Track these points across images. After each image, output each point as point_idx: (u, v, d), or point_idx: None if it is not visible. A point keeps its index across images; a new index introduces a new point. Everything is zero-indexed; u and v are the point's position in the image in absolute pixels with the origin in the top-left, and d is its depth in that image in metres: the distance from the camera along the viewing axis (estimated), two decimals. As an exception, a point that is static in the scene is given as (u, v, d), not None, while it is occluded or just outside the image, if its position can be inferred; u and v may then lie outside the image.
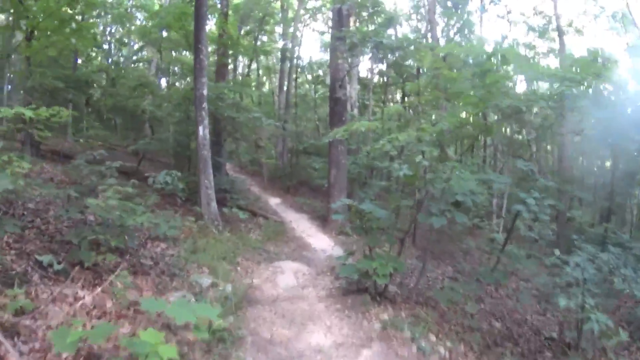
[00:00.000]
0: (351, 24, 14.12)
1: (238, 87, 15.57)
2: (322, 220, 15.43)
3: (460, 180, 7.62)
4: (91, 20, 17.97)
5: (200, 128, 9.55)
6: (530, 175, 8.81)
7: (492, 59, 8.10)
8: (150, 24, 19.62)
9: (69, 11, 13.31)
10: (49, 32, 12.92)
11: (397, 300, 7.60)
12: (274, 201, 19.23)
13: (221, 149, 16.85)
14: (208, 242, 8.76)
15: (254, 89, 26.10)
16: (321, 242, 12.31)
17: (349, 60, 13.98)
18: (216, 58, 17.06)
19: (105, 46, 26.03)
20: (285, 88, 25.71)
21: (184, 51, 23.47)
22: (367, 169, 15.86)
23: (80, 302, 4.83)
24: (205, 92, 9.55)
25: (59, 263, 5.43)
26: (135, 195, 6.82)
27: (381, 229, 8.45)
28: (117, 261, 6.25)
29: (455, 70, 10.19)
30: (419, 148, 8.78)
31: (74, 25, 13.98)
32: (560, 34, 20.33)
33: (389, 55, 12.52)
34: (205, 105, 9.55)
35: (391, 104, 28.44)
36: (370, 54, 12.92)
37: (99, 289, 5.17)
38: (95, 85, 16.20)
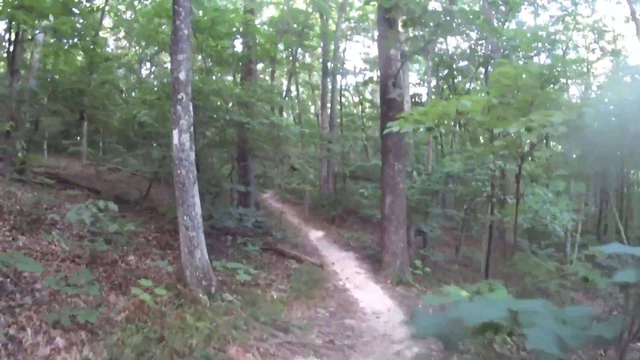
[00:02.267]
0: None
1: (265, 94, 11.75)
2: (374, 261, 11.45)
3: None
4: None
5: (175, 133, 5.99)
6: None
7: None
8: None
9: None
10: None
11: None
12: (315, 235, 15.49)
13: (247, 173, 13.38)
14: (183, 319, 5.05)
15: (291, 107, 22.62)
16: (373, 299, 8.36)
17: (402, 47, 10.22)
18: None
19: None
20: (329, 106, 22.23)
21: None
22: (429, 195, 11.81)
23: None
24: (183, 75, 6.02)
25: None
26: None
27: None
28: None
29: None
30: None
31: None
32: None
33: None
34: (184, 96, 6.01)
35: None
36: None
37: None
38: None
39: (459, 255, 14.90)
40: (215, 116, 9.27)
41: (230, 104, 10.13)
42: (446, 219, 13.87)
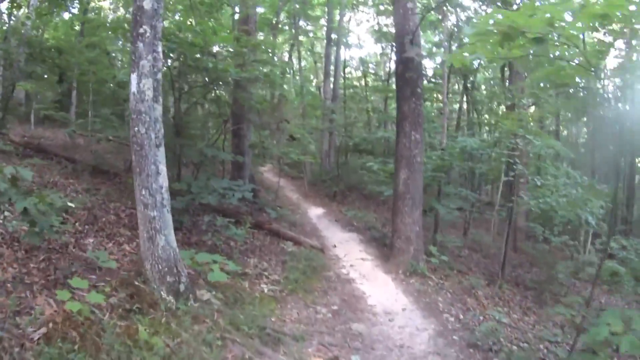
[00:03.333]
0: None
1: (263, 53, 9.79)
2: (381, 245, 10.00)
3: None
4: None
5: (134, 77, 4.36)
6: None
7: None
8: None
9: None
10: None
11: None
12: (314, 212, 14.01)
13: (242, 142, 11.78)
14: (133, 335, 3.56)
15: (293, 78, 20.67)
16: (383, 294, 6.91)
17: None
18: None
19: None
20: (332, 79, 20.45)
21: None
22: (442, 172, 10.24)
23: None
24: (148, 3, 4.36)
25: None
26: None
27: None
28: None
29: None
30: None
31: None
32: None
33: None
34: (147, 30, 4.34)
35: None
36: None
37: None
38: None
39: (467, 239, 13.49)
40: (198, 66, 7.61)
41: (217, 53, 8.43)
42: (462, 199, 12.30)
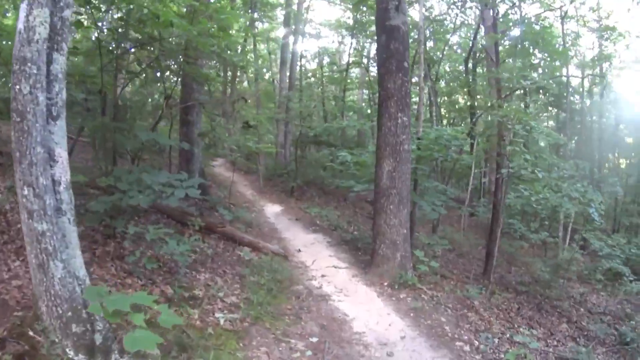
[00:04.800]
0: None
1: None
2: (354, 250, 8.47)
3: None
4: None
5: (23, 7, 2.52)
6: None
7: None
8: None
9: None
10: None
11: None
12: (271, 210, 12.32)
13: (191, 130, 9.87)
14: None
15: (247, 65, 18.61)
16: (371, 315, 5.35)
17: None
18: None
19: None
20: (288, 65, 18.65)
21: None
22: (424, 164, 8.86)
23: None
24: None
25: None
26: None
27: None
28: None
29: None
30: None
31: None
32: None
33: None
34: None
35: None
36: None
37: None
38: None
39: (437, 237, 12.30)
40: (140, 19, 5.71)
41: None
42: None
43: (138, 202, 4.51)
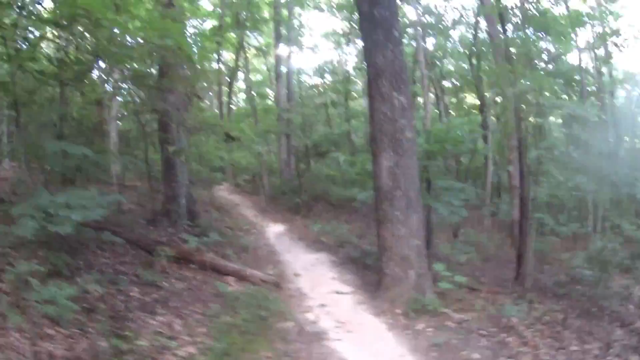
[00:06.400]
0: None
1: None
2: (361, 269, 7.09)
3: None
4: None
5: None
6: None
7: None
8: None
9: None
10: None
11: None
12: (273, 230, 11.07)
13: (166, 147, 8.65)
14: None
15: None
16: (377, 357, 3.93)
17: None
18: None
19: None
20: (284, 78, 17.52)
21: None
22: (433, 161, 7.46)
23: None
24: None
25: None
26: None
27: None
28: None
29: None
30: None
31: None
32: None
33: None
34: None
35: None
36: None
37: None
38: None
39: (459, 241, 10.79)
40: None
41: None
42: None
43: (23, 232, 3.25)
